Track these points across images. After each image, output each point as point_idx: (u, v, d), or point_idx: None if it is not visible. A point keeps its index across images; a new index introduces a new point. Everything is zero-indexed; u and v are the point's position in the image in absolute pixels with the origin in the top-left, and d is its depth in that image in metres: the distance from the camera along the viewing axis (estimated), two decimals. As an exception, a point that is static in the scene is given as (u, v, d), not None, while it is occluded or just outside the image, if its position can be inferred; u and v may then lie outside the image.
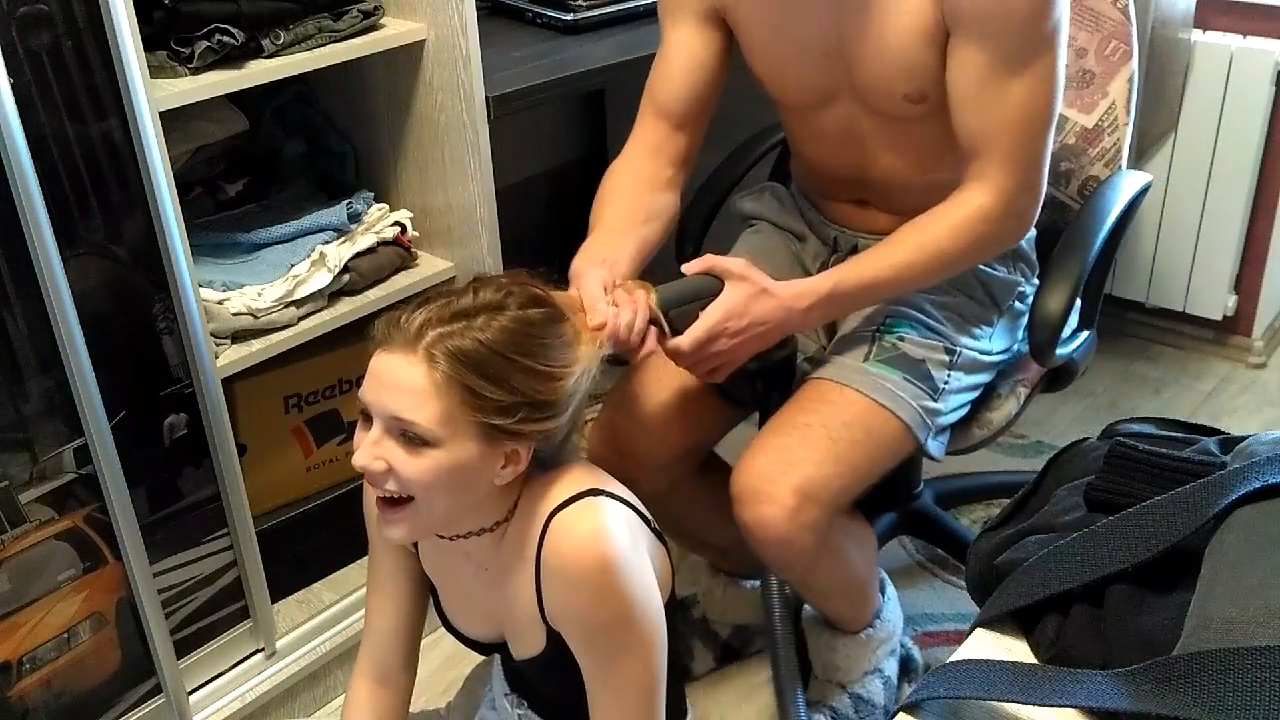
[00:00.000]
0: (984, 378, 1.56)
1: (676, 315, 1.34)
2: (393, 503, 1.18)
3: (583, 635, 1.22)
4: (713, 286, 1.36)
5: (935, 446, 1.49)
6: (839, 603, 1.61)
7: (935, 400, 1.46)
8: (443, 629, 1.40)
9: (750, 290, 1.33)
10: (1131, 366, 2.66)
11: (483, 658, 1.49)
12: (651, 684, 1.23)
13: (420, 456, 1.14)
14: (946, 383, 1.48)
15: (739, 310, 1.32)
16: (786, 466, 1.38)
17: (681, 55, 1.50)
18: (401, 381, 1.13)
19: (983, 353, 1.53)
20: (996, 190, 1.37)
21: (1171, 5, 2.32)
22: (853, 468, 1.42)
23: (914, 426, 1.44)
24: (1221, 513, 0.81)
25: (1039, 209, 1.43)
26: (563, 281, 1.31)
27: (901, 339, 1.47)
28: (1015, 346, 1.62)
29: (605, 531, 1.18)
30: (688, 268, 1.38)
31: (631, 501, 1.26)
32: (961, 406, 1.53)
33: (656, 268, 1.44)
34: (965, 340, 1.51)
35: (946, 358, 1.48)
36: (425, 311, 1.15)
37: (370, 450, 1.15)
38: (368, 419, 1.17)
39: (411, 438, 1.13)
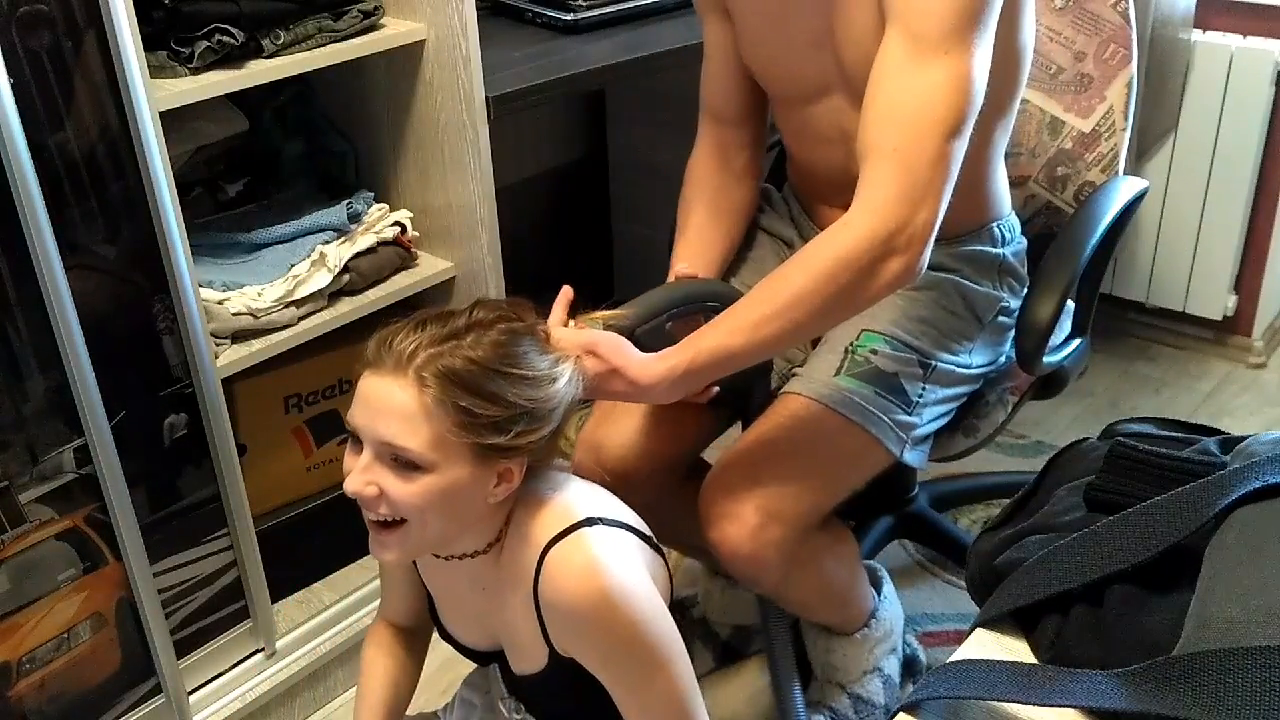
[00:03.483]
0: (965, 389, 1.54)
1: (647, 333, 1.31)
2: (385, 525, 1.16)
3: (600, 664, 1.21)
4: (686, 294, 1.35)
5: (914, 457, 1.46)
6: (822, 611, 1.60)
7: (909, 413, 1.44)
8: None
9: (602, 368, 1.25)
10: (1131, 366, 2.66)
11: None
12: (682, 697, 1.22)
13: (412, 481, 1.11)
14: (921, 395, 1.45)
15: (595, 387, 1.25)
16: (750, 484, 1.37)
17: (718, 52, 1.52)
18: (392, 406, 1.11)
19: (961, 366, 1.50)
20: (873, 205, 1.22)
21: (1171, 5, 2.32)
22: (819, 484, 1.41)
23: (885, 440, 1.41)
24: (1221, 513, 0.81)
25: (925, 247, 1.23)
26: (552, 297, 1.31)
27: (874, 353, 1.44)
28: (1002, 357, 1.59)
29: (599, 565, 1.16)
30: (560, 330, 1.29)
31: (626, 521, 1.25)
32: (941, 417, 1.51)
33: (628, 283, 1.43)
34: (942, 354, 1.48)
35: (920, 370, 1.46)
36: (418, 336, 1.13)
37: (361, 476, 1.13)
38: (357, 442, 1.15)
39: (403, 462, 1.11)
